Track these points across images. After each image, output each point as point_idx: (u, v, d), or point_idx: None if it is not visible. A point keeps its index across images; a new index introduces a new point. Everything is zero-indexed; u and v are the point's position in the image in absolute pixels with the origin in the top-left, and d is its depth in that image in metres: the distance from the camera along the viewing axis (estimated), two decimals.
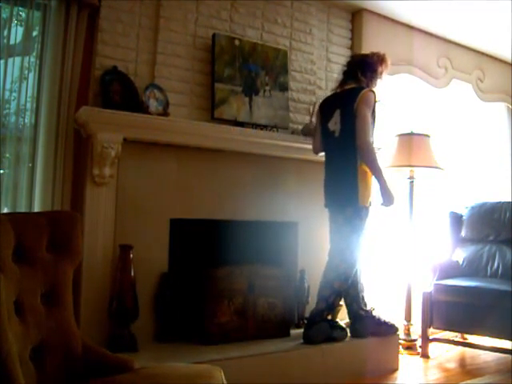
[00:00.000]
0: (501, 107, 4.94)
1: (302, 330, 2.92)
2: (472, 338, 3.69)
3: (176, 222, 2.90)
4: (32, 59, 2.75)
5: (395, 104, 4.09)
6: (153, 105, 2.82)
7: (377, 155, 2.88)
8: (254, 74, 3.21)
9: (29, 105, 2.72)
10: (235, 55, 3.14)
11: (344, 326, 3.03)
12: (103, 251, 2.66)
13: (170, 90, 2.93)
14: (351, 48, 3.81)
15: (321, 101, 3.18)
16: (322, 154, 3.06)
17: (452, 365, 3.39)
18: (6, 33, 2.66)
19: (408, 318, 3.63)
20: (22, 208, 2.64)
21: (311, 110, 3.43)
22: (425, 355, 3.47)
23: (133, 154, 2.75)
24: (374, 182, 2.90)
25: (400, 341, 3.36)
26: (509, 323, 3.05)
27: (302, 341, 2.85)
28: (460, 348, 3.68)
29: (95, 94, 2.78)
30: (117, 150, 2.64)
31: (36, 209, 2.63)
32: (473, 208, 3.99)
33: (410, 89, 4.20)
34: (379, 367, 3.01)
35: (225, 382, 1.66)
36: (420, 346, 3.53)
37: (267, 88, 3.24)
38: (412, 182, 3.68)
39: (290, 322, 3.11)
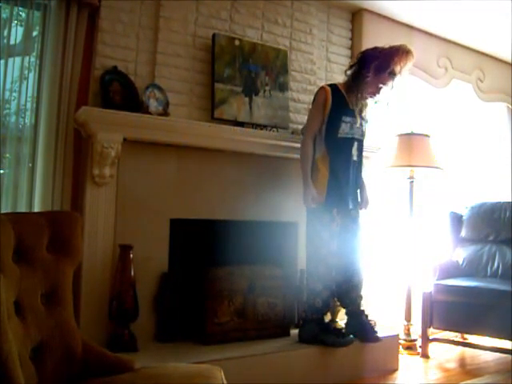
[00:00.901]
0: (501, 107, 4.94)
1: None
2: (472, 338, 3.69)
3: (176, 222, 2.90)
4: (32, 59, 2.75)
5: (395, 104, 4.09)
6: (153, 105, 2.82)
7: (306, 154, 2.87)
8: (254, 74, 3.21)
9: (29, 105, 2.73)
10: (235, 55, 3.14)
11: (343, 331, 2.95)
12: (103, 251, 2.66)
13: (169, 90, 2.93)
14: (351, 48, 3.81)
15: None
16: None
17: (452, 365, 3.39)
18: (6, 33, 2.66)
19: (408, 318, 3.63)
20: (22, 208, 2.64)
21: None
22: (425, 355, 3.47)
23: (133, 154, 2.75)
24: (332, 184, 2.86)
25: (400, 341, 3.37)
26: (509, 323, 3.05)
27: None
28: (460, 348, 3.68)
29: (95, 94, 2.78)
30: (117, 150, 2.64)
31: (36, 209, 2.63)
32: (473, 208, 3.99)
33: (410, 89, 4.20)
34: (379, 367, 3.01)
35: (225, 381, 1.66)
36: (420, 346, 3.53)
37: (267, 88, 3.24)
38: (412, 182, 3.68)
39: (290, 321, 3.12)
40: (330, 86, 2.96)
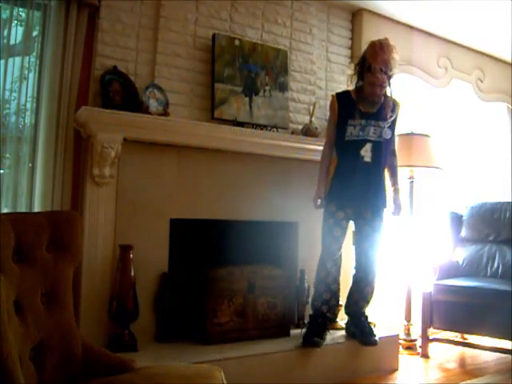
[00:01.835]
0: (501, 107, 4.94)
1: (302, 330, 2.92)
2: (472, 338, 3.69)
3: (176, 222, 2.90)
4: (32, 59, 2.75)
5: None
6: (153, 105, 2.82)
7: (322, 157, 3.03)
8: (254, 74, 3.21)
9: (29, 105, 2.73)
10: (235, 55, 3.14)
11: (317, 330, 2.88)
12: (103, 251, 2.66)
13: (169, 90, 2.93)
14: (351, 48, 3.81)
15: None
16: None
17: (452, 365, 3.39)
18: (6, 33, 2.66)
19: (408, 318, 3.64)
20: (22, 208, 2.64)
21: (311, 109, 3.44)
22: (425, 355, 3.47)
23: (133, 154, 2.75)
24: (335, 183, 2.94)
25: (400, 341, 3.37)
26: (509, 323, 3.05)
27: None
28: (460, 348, 3.68)
29: (95, 94, 2.78)
30: (117, 150, 2.64)
31: (36, 209, 2.63)
32: (473, 208, 3.99)
33: (410, 89, 4.20)
34: (379, 367, 3.01)
35: (225, 381, 1.66)
36: (420, 346, 3.53)
37: (267, 88, 3.24)
38: (412, 182, 3.69)
39: (290, 321, 3.11)
40: (341, 92, 3.07)
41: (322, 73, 3.66)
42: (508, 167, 4.86)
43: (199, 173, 2.98)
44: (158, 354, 2.55)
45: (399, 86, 4.05)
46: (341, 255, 2.99)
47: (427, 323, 3.49)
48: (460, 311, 3.36)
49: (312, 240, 3.30)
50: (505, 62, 4.81)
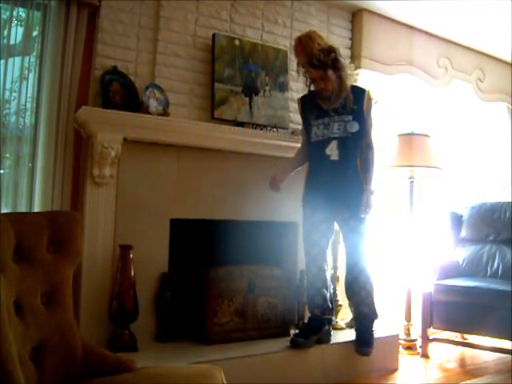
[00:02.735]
0: (501, 107, 4.94)
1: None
2: (472, 338, 3.69)
3: (176, 222, 2.90)
4: (32, 59, 2.75)
5: (395, 104, 4.10)
6: (153, 105, 2.82)
7: (295, 153, 3.07)
8: (254, 74, 3.21)
9: (29, 105, 2.73)
10: (235, 55, 3.14)
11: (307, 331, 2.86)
12: (103, 251, 2.66)
13: (169, 90, 2.93)
14: (351, 48, 3.81)
15: None
16: None
17: (452, 365, 3.39)
18: (6, 33, 2.66)
19: (408, 318, 3.64)
20: (22, 208, 2.64)
21: None
22: (425, 355, 3.47)
23: (133, 154, 2.75)
24: (307, 186, 2.98)
25: (400, 341, 3.37)
26: (509, 323, 3.05)
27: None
28: (460, 348, 3.68)
29: (95, 94, 2.78)
30: (117, 150, 2.64)
31: (36, 209, 2.63)
32: (473, 208, 3.99)
33: (410, 89, 4.20)
34: (379, 367, 3.01)
35: (225, 381, 1.66)
36: (420, 346, 3.53)
37: (267, 88, 3.24)
38: (412, 182, 3.68)
39: (290, 321, 3.11)
40: (306, 95, 3.00)
41: None
42: (508, 167, 4.86)
43: (199, 173, 2.98)
44: (158, 354, 2.56)
45: (399, 86, 4.10)
46: (325, 258, 2.91)
47: (427, 323, 3.49)
48: (460, 311, 3.36)
49: None
50: (505, 62, 4.81)
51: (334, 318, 3.08)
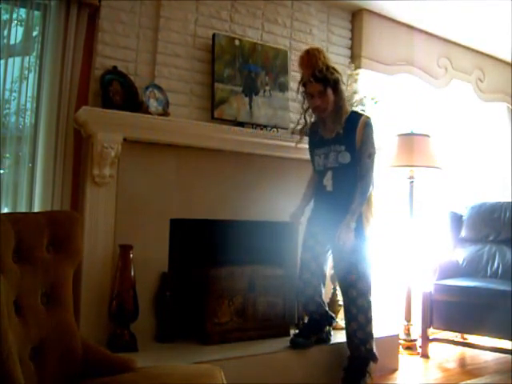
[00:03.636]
0: (501, 107, 4.94)
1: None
2: (472, 338, 3.69)
3: (176, 222, 2.90)
4: (32, 59, 2.75)
5: (395, 104, 4.10)
6: (153, 105, 2.82)
7: (307, 184, 3.01)
8: (254, 74, 3.21)
9: (29, 105, 2.73)
10: (235, 55, 3.14)
11: (305, 332, 2.85)
12: (103, 251, 2.66)
13: (169, 90, 2.93)
14: (351, 48, 3.82)
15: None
16: None
17: (452, 365, 3.39)
18: (6, 33, 2.66)
19: (408, 318, 3.64)
20: (22, 208, 2.64)
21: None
22: (425, 355, 3.47)
23: (133, 154, 2.75)
24: (312, 211, 2.95)
25: (400, 341, 3.37)
26: (509, 323, 3.05)
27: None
28: (460, 348, 3.68)
29: (95, 94, 2.78)
30: (117, 150, 2.63)
31: (36, 209, 2.63)
32: (473, 208, 3.99)
33: (410, 89, 4.20)
34: (379, 367, 3.01)
35: (225, 381, 1.66)
36: (420, 346, 3.53)
37: (267, 88, 3.24)
38: (412, 182, 3.69)
39: (290, 321, 3.11)
40: (311, 124, 2.92)
41: None
42: (508, 167, 4.86)
43: (199, 173, 2.98)
44: (158, 354, 2.56)
45: (399, 86, 4.09)
46: (319, 265, 2.84)
47: (427, 323, 3.49)
48: (460, 311, 3.37)
49: None
50: (505, 62, 4.81)
51: (334, 318, 3.07)
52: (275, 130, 3.25)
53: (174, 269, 2.88)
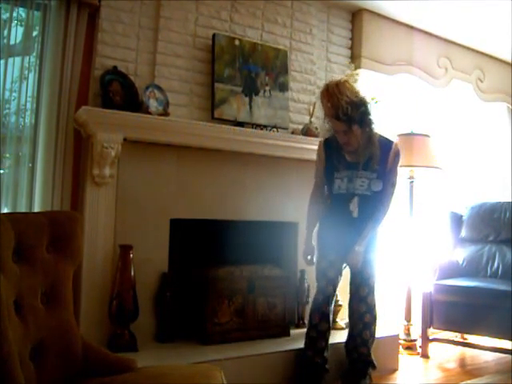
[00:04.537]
0: (501, 107, 4.94)
1: (302, 330, 2.91)
2: (472, 338, 3.69)
3: (176, 222, 2.90)
4: (32, 59, 2.75)
5: (395, 104, 4.10)
6: (153, 105, 2.82)
7: (309, 211, 2.81)
8: (254, 74, 3.21)
9: (29, 105, 2.73)
10: (235, 55, 3.14)
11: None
12: (103, 251, 2.66)
13: (169, 90, 2.93)
14: (351, 48, 3.82)
15: None
16: None
17: (452, 365, 3.39)
18: (6, 33, 2.66)
19: (408, 318, 3.64)
20: (22, 208, 2.64)
21: (311, 110, 3.43)
22: (425, 355, 3.47)
23: (133, 154, 2.75)
24: (323, 234, 2.79)
25: (400, 341, 3.37)
26: (509, 323, 3.04)
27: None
28: (460, 348, 3.68)
29: (95, 94, 2.78)
30: (117, 150, 2.64)
31: (36, 209, 2.63)
32: (473, 208, 3.99)
33: (410, 89, 4.20)
34: (379, 367, 3.00)
35: (225, 381, 1.66)
36: (420, 346, 3.53)
37: (267, 88, 3.24)
38: (412, 182, 3.69)
39: (290, 321, 3.12)
40: (329, 138, 2.72)
41: (321, 73, 3.66)
42: (508, 167, 4.86)
43: (199, 173, 2.98)
44: (158, 354, 2.56)
45: (399, 86, 4.09)
46: (336, 287, 2.72)
47: (427, 323, 3.49)
48: (460, 311, 3.36)
49: (312, 240, 3.29)
50: (505, 62, 4.81)
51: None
52: (275, 129, 3.25)
53: (174, 269, 2.88)
